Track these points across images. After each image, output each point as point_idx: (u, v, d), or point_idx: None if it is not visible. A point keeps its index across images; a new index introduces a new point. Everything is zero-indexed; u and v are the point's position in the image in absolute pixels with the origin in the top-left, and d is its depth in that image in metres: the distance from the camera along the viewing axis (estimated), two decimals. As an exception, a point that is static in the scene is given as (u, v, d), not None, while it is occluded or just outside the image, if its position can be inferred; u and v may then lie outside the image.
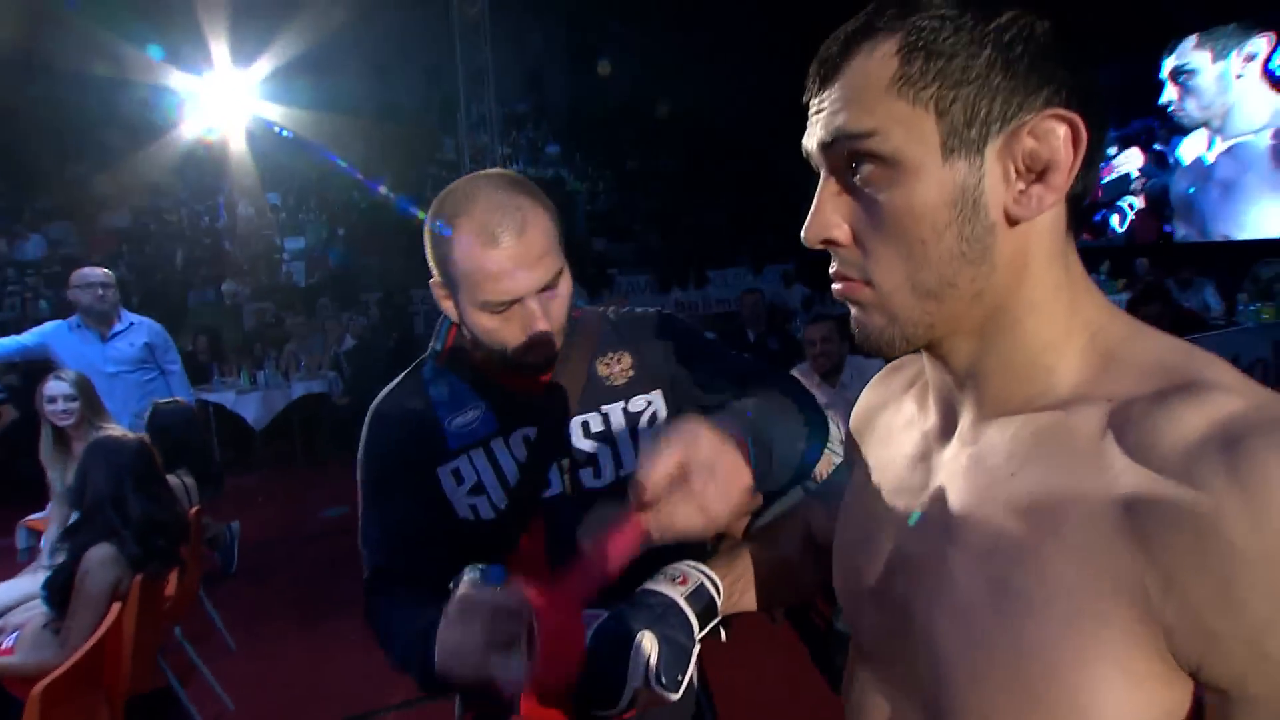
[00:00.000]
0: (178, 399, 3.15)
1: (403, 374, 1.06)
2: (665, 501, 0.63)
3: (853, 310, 0.52)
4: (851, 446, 0.69)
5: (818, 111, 0.50)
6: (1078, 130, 0.45)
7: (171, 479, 2.32)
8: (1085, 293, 0.50)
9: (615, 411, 1.03)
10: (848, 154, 0.49)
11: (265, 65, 11.01)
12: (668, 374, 1.06)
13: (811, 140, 0.51)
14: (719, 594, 0.75)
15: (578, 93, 15.27)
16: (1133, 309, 3.50)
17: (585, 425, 1.01)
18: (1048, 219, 0.48)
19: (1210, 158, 5.89)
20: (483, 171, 0.95)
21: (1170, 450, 0.40)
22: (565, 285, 0.93)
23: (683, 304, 9.95)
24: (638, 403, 1.04)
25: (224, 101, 11.02)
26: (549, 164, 13.66)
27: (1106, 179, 7.98)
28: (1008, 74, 0.45)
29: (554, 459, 0.99)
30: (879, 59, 0.47)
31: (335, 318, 7.24)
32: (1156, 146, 6.95)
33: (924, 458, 0.57)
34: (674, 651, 0.69)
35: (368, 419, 1.03)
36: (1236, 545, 0.37)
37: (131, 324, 3.28)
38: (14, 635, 1.98)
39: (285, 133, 12.05)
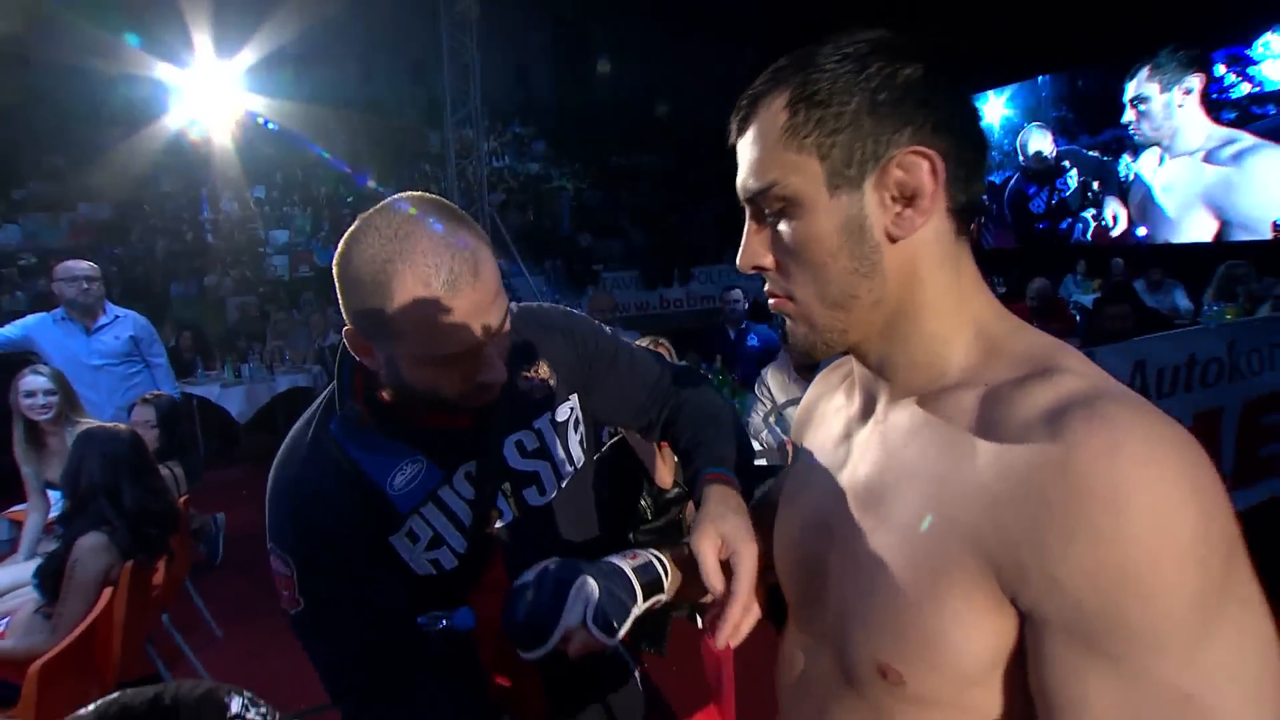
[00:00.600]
0: (160, 392, 3.17)
1: (300, 440, 0.90)
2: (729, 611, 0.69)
3: (786, 321, 0.62)
4: (796, 434, 0.78)
5: (739, 160, 0.60)
6: (935, 162, 0.53)
7: (162, 469, 2.35)
8: (975, 292, 0.59)
9: (545, 425, 0.98)
10: (759, 201, 0.59)
11: (249, 56, 10.91)
12: (580, 379, 1.03)
13: (738, 187, 0.61)
14: (667, 575, 0.80)
15: (564, 89, 15.27)
16: (1100, 308, 3.62)
17: (520, 445, 0.96)
18: (931, 233, 0.56)
19: (1159, 172, 7.09)
20: (405, 196, 0.81)
21: (1018, 421, 0.49)
22: (507, 323, 0.84)
23: (667, 300, 10.03)
24: (562, 411, 1.01)
25: (207, 93, 10.89)
26: (535, 160, 13.66)
27: (1072, 188, 8.37)
28: (875, 118, 0.54)
29: (498, 486, 0.94)
30: (774, 112, 0.57)
31: (320, 312, 7.23)
32: (1125, 156, 7.46)
33: (846, 437, 0.66)
34: (613, 603, 0.73)
35: (285, 506, 0.87)
36: (1045, 494, 0.46)
37: (117, 317, 3.29)
38: (5, 620, 2.02)
39: (270, 125, 11.94)
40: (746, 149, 0.59)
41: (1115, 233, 8.21)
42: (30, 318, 3.24)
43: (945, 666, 0.51)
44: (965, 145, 0.55)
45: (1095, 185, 8.35)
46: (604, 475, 1.51)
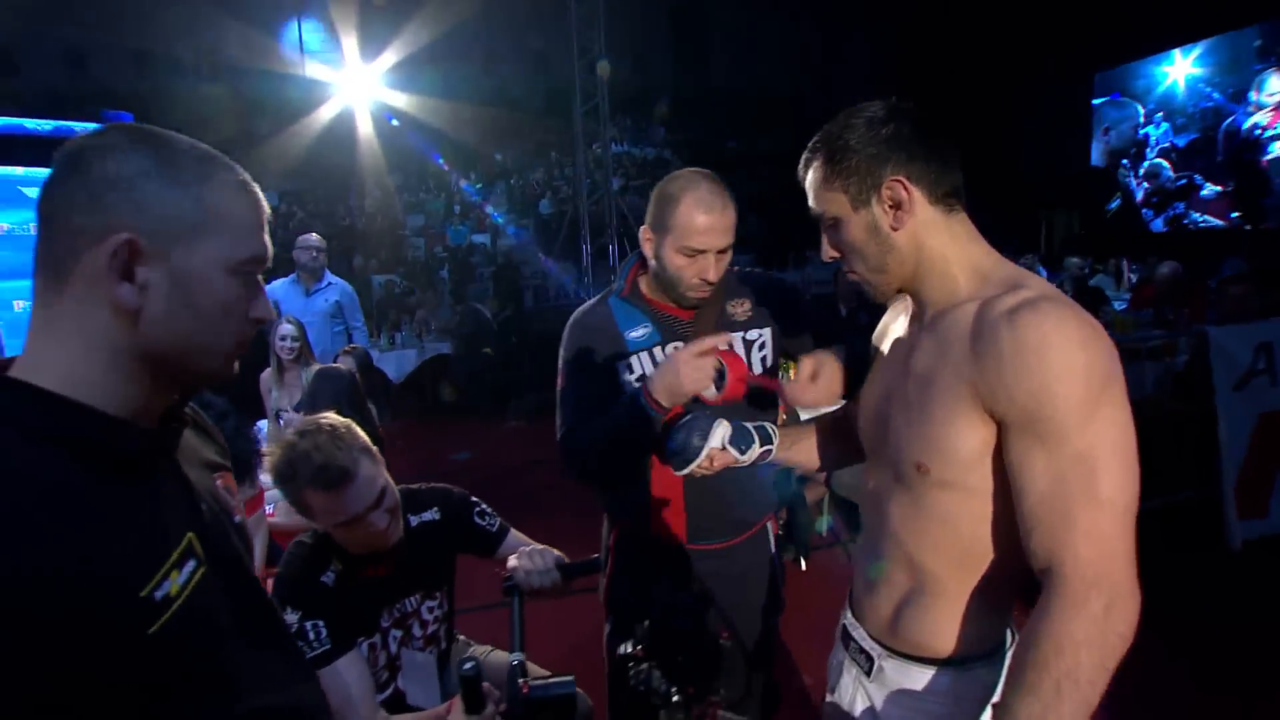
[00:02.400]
0: (357, 345, 3.83)
1: (591, 303, 1.54)
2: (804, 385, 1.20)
3: (861, 285, 1.00)
4: (876, 341, 1.15)
5: (807, 194, 0.99)
6: (905, 184, 0.90)
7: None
8: (969, 244, 0.94)
9: (737, 338, 1.46)
10: (820, 220, 0.99)
11: (390, 57, 11.93)
12: (776, 318, 1.50)
13: (810, 210, 1.01)
14: (775, 436, 1.21)
15: (681, 76, 15.56)
16: (1223, 288, 3.58)
17: None
18: (923, 219, 0.92)
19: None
20: (690, 169, 1.40)
21: (994, 316, 0.83)
22: (729, 254, 1.39)
23: (780, 284, 10.22)
24: (752, 334, 1.49)
25: (354, 91, 11.89)
26: (653, 145, 14.06)
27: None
28: (868, 164, 0.91)
29: None
30: (816, 167, 0.97)
31: (461, 288, 7.98)
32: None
33: (906, 340, 1.03)
34: (740, 437, 1.16)
35: (571, 329, 1.50)
36: (1004, 353, 0.80)
37: (330, 283, 3.96)
38: (273, 505, 2.64)
39: (394, 120, 12.87)
40: (808, 189, 0.99)
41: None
42: (276, 281, 3.95)
43: (953, 459, 0.87)
44: (929, 163, 0.91)
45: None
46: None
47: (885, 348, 1.09)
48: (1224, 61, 9.54)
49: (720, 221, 1.32)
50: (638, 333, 1.45)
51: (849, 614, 1.08)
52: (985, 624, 0.94)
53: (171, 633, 0.60)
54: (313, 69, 12.34)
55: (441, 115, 12.76)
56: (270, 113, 13.46)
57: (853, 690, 1.06)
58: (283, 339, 3.17)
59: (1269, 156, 8.84)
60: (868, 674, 1.02)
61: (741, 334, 1.47)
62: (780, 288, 1.54)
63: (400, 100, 12.54)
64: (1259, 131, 9.00)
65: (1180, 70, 10.12)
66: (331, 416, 1.38)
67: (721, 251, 1.35)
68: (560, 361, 1.49)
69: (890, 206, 0.91)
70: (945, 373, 0.87)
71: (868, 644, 1.02)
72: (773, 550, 1.62)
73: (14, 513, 0.54)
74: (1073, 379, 0.77)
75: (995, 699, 0.91)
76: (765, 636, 1.62)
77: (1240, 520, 3.27)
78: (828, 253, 1.01)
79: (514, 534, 1.64)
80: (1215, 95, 9.62)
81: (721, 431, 1.14)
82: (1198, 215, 9.94)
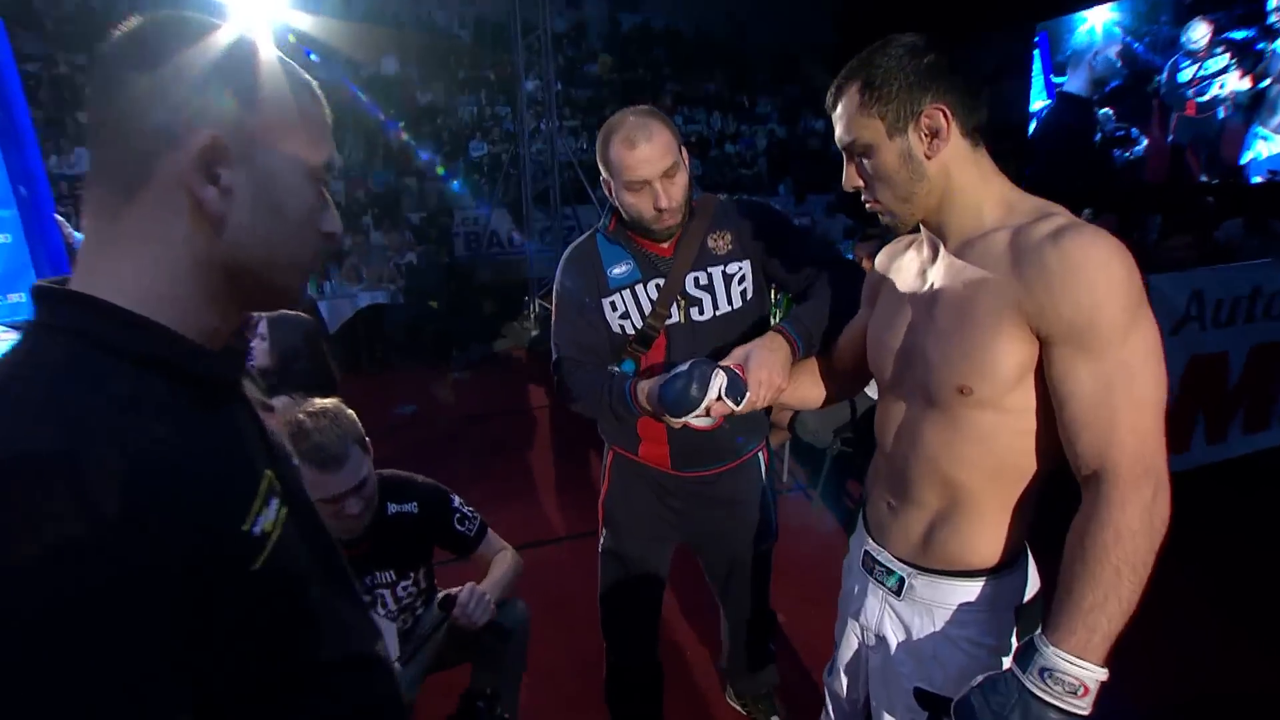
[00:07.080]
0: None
1: (582, 238, 1.56)
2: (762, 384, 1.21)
3: (880, 214, 1.00)
4: (874, 283, 1.17)
5: (835, 123, 0.98)
6: (946, 113, 0.91)
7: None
8: (993, 177, 0.96)
9: (717, 272, 1.47)
10: (850, 148, 0.97)
11: (301, -26, 10.85)
12: (758, 250, 1.49)
13: (836, 139, 0.99)
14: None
15: (618, 12, 14.98)
16: (1163, 237, 3.75)
17: (696, 279, 1.46)
18: (954, 149, 0.93)
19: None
20: (631, 107, 1.40)
21: (1035, 240, 0.87)
22: (680, 176, 1.38)
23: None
24: (733, 268, 1.48)
25: (258, 13, 10.79)
26: (589, 84, 13.55)
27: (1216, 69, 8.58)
28: (908, 91, 0.91)
29: (674, 299, 1.46)
30: (851, 94, 0.95)
31: (397, 231, 7.55)
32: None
33: (922, 272, 1.05)
34: (733, 384, 1.18)
35: (562, 263, 1.54)
36: (1052, 270, 0.84)
37: None
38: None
39: (313, 56, 11.91)
40: (839, 118, 0.97)
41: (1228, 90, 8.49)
42: None
43: (996, 379, 0.89)
44: (965, 96, 0.92)
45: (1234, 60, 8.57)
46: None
47: (892, 283, 1.10)
48: (1141, 12, 9.89)
49: (650, 150, 1.32)
50: (620, 270, 1.48)
51: (870, 542, 1.12)
52: (1014, 535, 1.00)
53: (269, 572, 0.56)
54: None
55: (361, 40, 11.84)
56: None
57: (879, 612, 1.11)
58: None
59: (1205, 98, 9.05)
60: (897, 594, 1.07)
61: (721, 267, 1.47)
62: (768, 217, 1.52)
63: (309, 23, 11.50)
64: (1199, 75, 9.17)
65: (1099, 18, 10.42)
66: (338, 403, 1.47)
67: (666, 175, 1.35)
68: (553, 294, 1.56)
69: (927, 135, 0.91)
70: (984, 297, 0.90)
71: (896, 566, 1.07)
72: (764, 480, 1.69)
73: (125, 429, 0.47)
74: (1116, 295, 0.82)
75: (1019, 602, 1.01)
76: (758, 561, 1.73)
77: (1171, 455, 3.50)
78: (851, 181, 0.99)
79: (491, 536, 1.71)
80: (1135, 45, 9.98)
81: (719, 381, 1.17)
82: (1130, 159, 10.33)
